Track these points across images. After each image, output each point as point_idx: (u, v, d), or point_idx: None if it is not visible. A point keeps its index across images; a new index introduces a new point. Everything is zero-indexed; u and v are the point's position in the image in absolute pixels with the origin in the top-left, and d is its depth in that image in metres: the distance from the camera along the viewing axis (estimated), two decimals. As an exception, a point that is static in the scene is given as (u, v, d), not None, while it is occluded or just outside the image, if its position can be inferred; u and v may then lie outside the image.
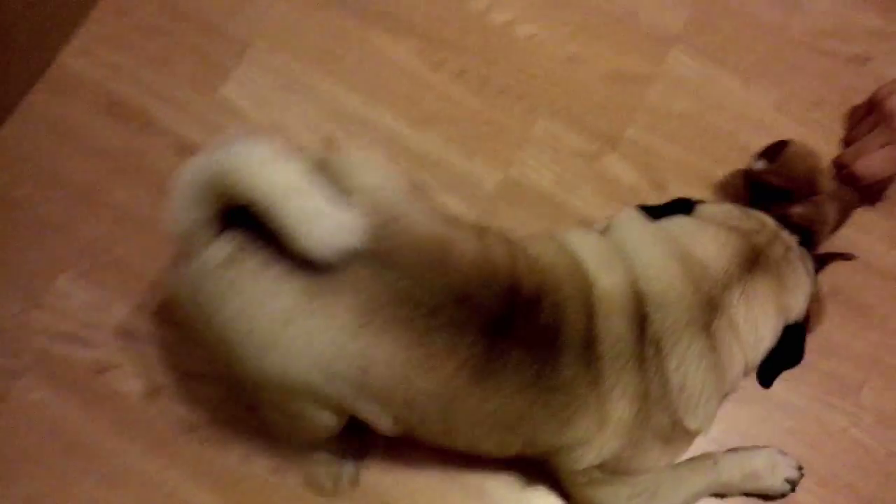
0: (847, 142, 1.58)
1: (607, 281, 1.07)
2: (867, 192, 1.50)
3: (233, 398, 1.41)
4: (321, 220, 0.84)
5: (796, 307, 1.18)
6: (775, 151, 1.39)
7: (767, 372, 1.26)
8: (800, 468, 1.37)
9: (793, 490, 1.37)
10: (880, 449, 1.45)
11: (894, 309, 1.53)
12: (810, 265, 1.26)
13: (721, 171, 1.59)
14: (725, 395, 1.17)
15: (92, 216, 1.51)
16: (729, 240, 1.14)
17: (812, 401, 1.48)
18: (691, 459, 1.31)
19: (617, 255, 1.12)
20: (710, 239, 1.14)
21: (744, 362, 1.13)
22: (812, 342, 1.45)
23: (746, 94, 1.67)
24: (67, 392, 1.41)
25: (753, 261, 1.13)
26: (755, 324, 1.11)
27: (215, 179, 0.84)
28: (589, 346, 1.03)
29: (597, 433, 1.07)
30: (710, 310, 1.07)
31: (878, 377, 1.49)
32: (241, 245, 0.90)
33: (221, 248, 0.90)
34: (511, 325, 0.98)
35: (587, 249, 1.13)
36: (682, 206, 1.26)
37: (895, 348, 1.51)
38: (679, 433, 1.12)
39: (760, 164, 1.40)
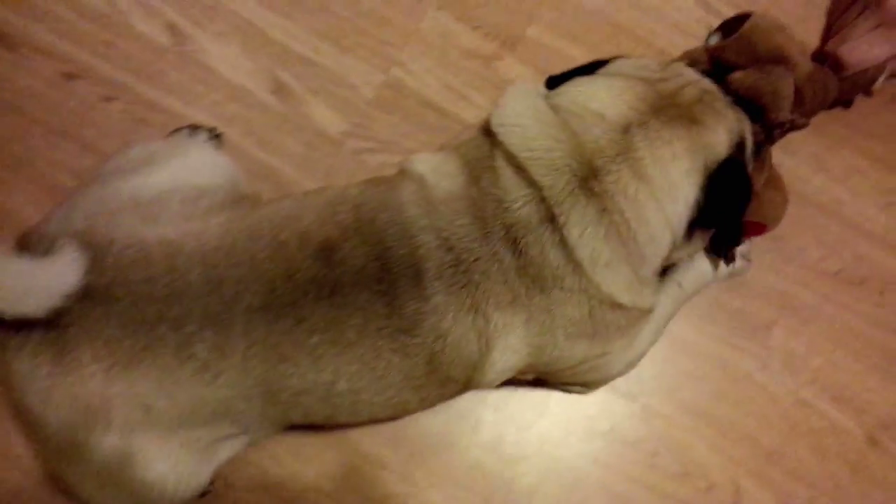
0: (831, 32, 1.41)
1: (445, 187, 0.97)
2: (857, 83, 1.33)
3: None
4: (28, 279, 0.84)
5: (718, 144, 0.99)
6: (734, 25, 1.18)
7: (714, 240, 1.10)
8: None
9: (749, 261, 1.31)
10: (787, 397, 1.31)
11: (813, 240, 1.36)
12: (739, 113, 1.05)
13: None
14: (664, 259, 1.01)
15: None
16: (629, 87, 0.99)
17: (717, 342, 1.33)
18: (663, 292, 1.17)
19: (479, 148, 1.00)
20: (606, 90, 1.00)
21: (662, 214, 0.96)
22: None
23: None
24: None
25: (658, 105, 0.97)
26: (664, 166, 0.95)
27: None
28: (419, 272, 0.92)
29: (485, 355, 0.96)
30: (609, 161, 0.93)
31: (791, 316, 1.34)
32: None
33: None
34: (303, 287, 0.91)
35: (424, 164, 1.00)
36: (596, 66, 1.09)
37: (811, 284, 1.35)
38: (615, 313, 0.98)
39: (715, 39, 1.19)
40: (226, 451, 1.02)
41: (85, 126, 1.31)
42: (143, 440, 0.90)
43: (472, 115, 1.36)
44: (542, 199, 0.92)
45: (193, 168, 1.07)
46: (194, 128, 1.30)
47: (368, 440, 1.25)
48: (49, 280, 0.85)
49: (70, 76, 1.33)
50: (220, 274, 0.90)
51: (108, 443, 0.89)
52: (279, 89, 1.35)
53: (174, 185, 1.01)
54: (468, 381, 0.99)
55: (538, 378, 1.12)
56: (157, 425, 0.90)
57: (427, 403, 1.02)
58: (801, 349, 1.33)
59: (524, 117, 0.98)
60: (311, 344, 0.90)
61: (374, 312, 0.91)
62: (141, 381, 0.88)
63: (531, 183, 0.93)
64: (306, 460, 1.24)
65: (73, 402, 0.87)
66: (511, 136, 0.96)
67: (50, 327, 0.86)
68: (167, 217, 0.96)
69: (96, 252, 0.89)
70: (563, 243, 0.92)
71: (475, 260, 0.92)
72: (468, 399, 1.27)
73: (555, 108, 0.99)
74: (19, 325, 0.86)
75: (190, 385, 0.89)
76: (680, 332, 1.32)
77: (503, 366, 0.98)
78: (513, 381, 1.06)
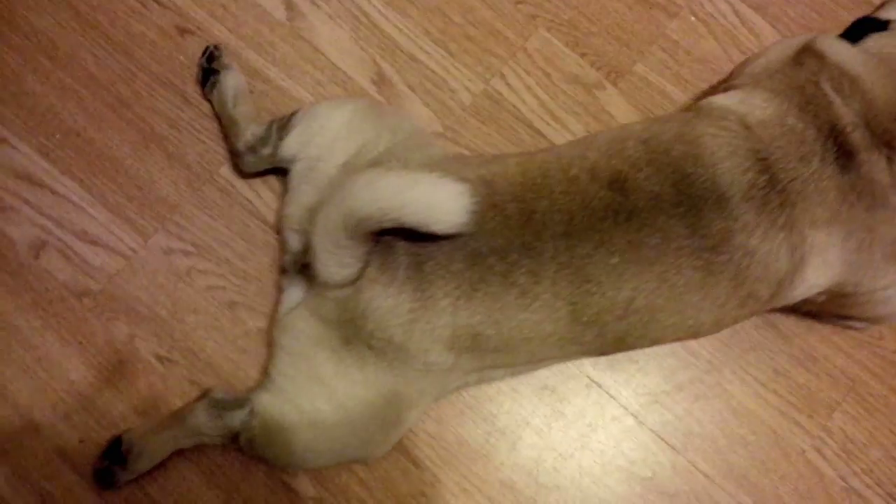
0: None
1: (758, 115, 1.02)
2: None
3: (133, 273, 1.26)
4: (443, 198, 0.88)
5: None
6: None
7: None
8: None
9: None
10: (837, 482, 1.26)
11: (891, 331, 1.31)
12: None
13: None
14: None
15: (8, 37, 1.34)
16: None
17: (776, 413, 1.28)
18: None
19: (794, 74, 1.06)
20: None
21: None
22: (793, 348, 1.27)
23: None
24: (-55, 223, 1.26)
25: None
26: None
27: (348, 223, 0.90)
28: (723, 196, 0.97)
29: (797, 272, 1.00)
30: None
31: (856, 402, 1.29)
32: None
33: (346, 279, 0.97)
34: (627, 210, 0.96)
35: (726, 100, 1.07)
36: (872, 25, 1.12)
37: (882, 374, 1.30)
38: None
39: None
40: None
41: (189, 81, 1.34)
42: (464, 369, 1.02)
43: (563, 139, 1.35)
44: (869, 123, 0.98)
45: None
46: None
47: (409, 436, 1.23)
48: (454, 197, 0.89)
49: (183, 31, 1.36)
50: (528, 207, 0.97)
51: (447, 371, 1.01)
52: (380, 80, 1.37)
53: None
54: (771, 299, 1.02)
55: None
56: (476, 354, 0.99)
57: (720, 325, 1.05)
58: (860, 437, 1.27)
59: (848, 51, 1.04)
60: (611, 264, 0.95)
61: (674, 233, 0.96)
62: (476, 311, 0.96)
63: (865, 103, 0.98)
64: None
65: (430, 335, 0.96)
66: (843, 56, 1.02)
67: (410, 265, 0.95)
68: (476, 162, 1.07)
69: None
70: (891, 163, 0.98)
71: (792, 180, 0.97)
72: (512, 417, 1.25)
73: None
74: (385, 264, 0.96)
75: (513, 311, 0.96)
76: (740, 396, 1.28)
77: (814, 282, 1.02)
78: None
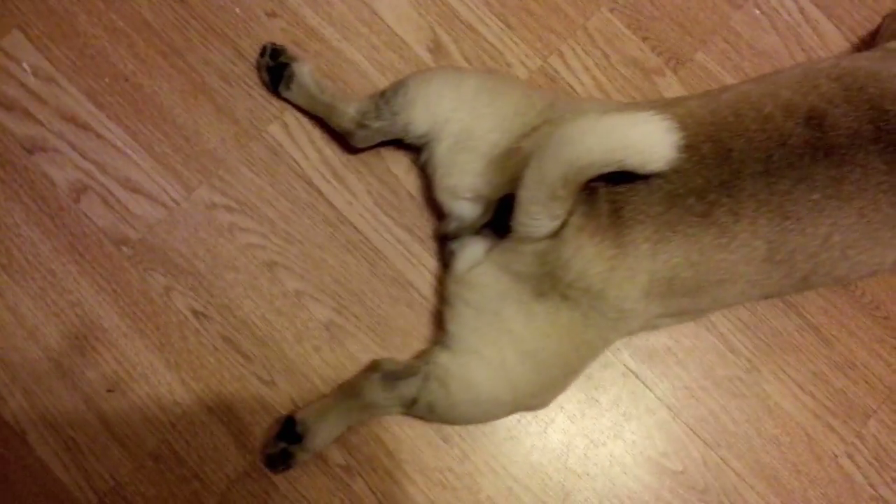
0: None
1: None
2: None
3: (174, 224, 1.24)
4: (658, 136, 0.88)
5: None
6: None
7: None
8: None
9: None
10: (867, 490, 1.25)
11: (939, 340, 1.30)
12: None
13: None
14: None
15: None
16: None
17: (810, 415, 1.27)
18: None
19: None
20: None
21: None
22: (833, 353, 1.26)
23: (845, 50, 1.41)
24: (-12, 160, 1.24)
25: None
26: None
27: (569, 173, 0.89)
28: None
29: None
30: None
31: (891, 411, 1.27)
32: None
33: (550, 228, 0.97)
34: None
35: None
36: None
37: (925, 384, 1.28)
38: None
39: None
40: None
41: (243, 35, 1.31)
42: (649, 314, 1.02)
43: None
44: None
45: None
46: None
47: (439, 413, 1.22)
48: (665, 133, 0.88)
49: (240, -17, 1.34)
50: (724, 146, 0.96)
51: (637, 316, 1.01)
52: (437, 48, 1.34)
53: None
54: None
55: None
56: (666, 300, 1.00)
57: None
58: (893, 446, 1.26)
59: None
60: (812, 200, 0.95)
61: (874, 169, 0.96)
62: (675, 254, 0.96)
63: None
64: (372, 416, 1.22)
65: (629, 282, 0.96)
66: None
67: (610, 211, 0.95)
68: (655, 106, 1.03)
69: None
70: None
71: None
72: (547, 400, 1.23)
73: None
74: (589, 212, 0.95)
75: (710, 251, 0.96)
76: (776, 396, 1.26)
77: None
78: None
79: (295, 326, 1.23)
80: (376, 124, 1.16)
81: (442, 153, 1.13)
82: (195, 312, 1.22)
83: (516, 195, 0.95)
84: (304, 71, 1.25)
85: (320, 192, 1.27)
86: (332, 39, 1.33)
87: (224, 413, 1.19)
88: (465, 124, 1.11)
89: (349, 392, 1.15)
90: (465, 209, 1.12)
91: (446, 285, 1.14)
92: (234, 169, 1.27)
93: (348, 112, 1.19)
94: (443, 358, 1.10)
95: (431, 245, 1.27)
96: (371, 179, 1.28)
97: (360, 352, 1.23)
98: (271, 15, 1.33)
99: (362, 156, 1.29)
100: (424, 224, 1.28)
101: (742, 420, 1.25)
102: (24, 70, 1.27)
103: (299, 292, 1.24)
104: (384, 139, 1.20)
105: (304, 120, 1.29)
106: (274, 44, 1.28)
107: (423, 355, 1.15)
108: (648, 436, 1.24)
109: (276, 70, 1.26)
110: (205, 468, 1.18)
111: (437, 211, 1.24)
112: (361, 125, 1.18)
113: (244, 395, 1.20)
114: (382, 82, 1.31)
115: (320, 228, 1.26)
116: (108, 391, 1.19)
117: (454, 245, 1.14)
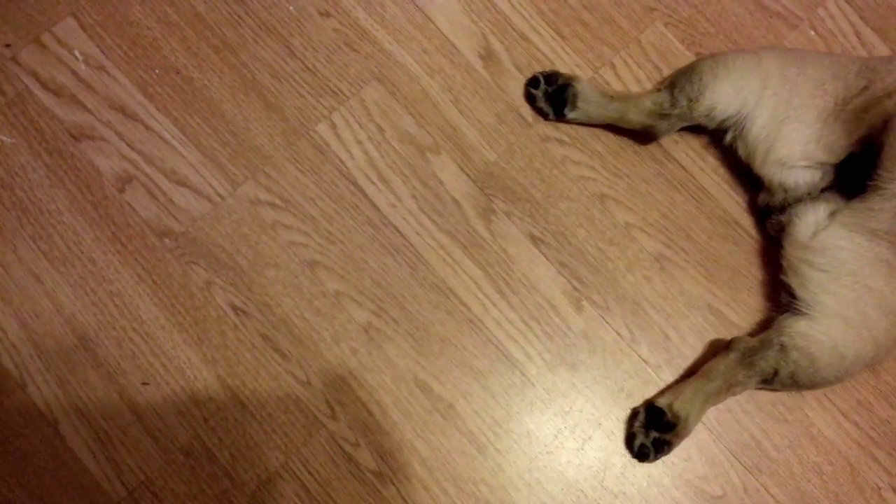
0: None
1: None
2: None
3: (218, 219, 1.23)
4: None
5: None
6: None
7: None
8: None
9: None
10: (912, 525, 1.21)
11: None
12: None
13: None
14: None
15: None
16: None
17: (854, 445, 1.24)
18: None
19: None
20: None
21: None
22: (879, 381, 1.23)
23: None
24: (36, 145, 1.24)
25: None
26: None
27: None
28: None
29: None
30: None
31: (942, 445, 1.24)
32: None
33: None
34: None
35: None
36: None
37: (975, 419, 1.25)
38: None
39: None
40: None
41: (295, 33, 1.31)
42: None
43: (664, 139, 1.31)
44: None
45: None
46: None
47: (475, 421, 1.20)
48: None
49: (294, -18, 1.34)
50: None
51: None
52: (488, 56, 1.33)
53: None
54: None
55: None
56: None
57: None
58: (940, 482, 1.23)
59: None
60: None
61: None
62: None
63: None
64: (408, 415, 1.19)
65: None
66: None
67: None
68: None
69: None
70: None
71: None
72: (584, 416, 1.21)
73: None
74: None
75: None
76: (820, 424, 1.23)
77: None
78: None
79: (333, 327, 1.22)
80: (675, 111, 1.21)
81: (760, 129, 1.17)
82: (235, 308, 1.21)
83: (882, 153, 0.99)
84: (586, 85, 1.27)
85: (364, 194, 1.26)
86: (383, 41, 1.32)
87: (258, 411, 1.18)
88: (782, 97, 1.15)
89: (708, 375, 1.16)
90: (800, 177, 1.17)
91: (785, 254, 1.18)
92: (280, 166, 1.26)
93: (646, 106, 1.22)
94: (800, 326, 1.12)
95: (473, 252, 1.26)
96: (416, 183, 1.27)
97: (398, 356, 1.21)
98: (324, 14, 1.32)
99: (407, 159, 1.27)
100: (467, 230, 1.26)
101: (784, 446, 1.22)
102: (76, 57, 1.27)
103: (339, 293, 1.23)
104: (685, 125, 1.25)
105: (352, 120, 1.28)
106: (542, 72, 1.29)
107: (771, 326, 1.17)
108: (688, 458, 1.21)
109: (557, 94, 1.27)
110: (236, 466, 1.16)
111: (752, 185, 1.28)
112: (663, 115, 1.22)
113: (279, 394, 1.19)
114: (432, 86, 1.30)
115: (363, 230, 1.25)
116: (144, 384, 1.18)
117: (784, 216, 1.19)
